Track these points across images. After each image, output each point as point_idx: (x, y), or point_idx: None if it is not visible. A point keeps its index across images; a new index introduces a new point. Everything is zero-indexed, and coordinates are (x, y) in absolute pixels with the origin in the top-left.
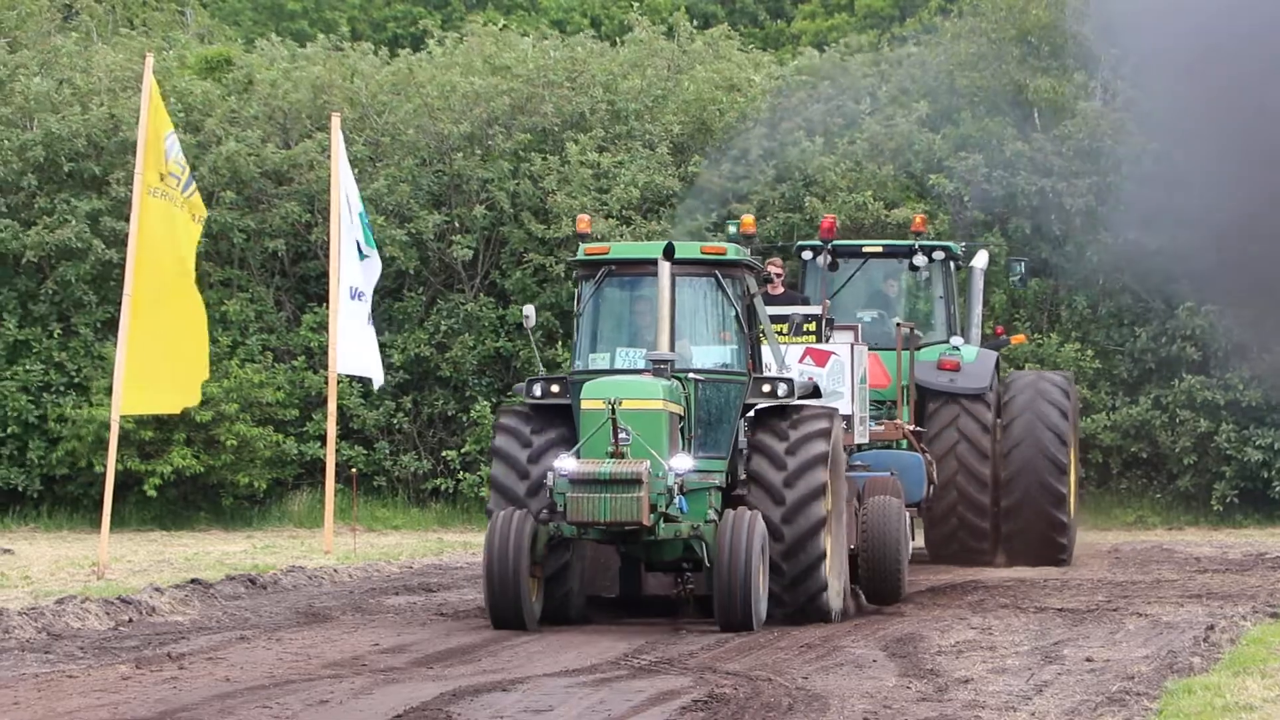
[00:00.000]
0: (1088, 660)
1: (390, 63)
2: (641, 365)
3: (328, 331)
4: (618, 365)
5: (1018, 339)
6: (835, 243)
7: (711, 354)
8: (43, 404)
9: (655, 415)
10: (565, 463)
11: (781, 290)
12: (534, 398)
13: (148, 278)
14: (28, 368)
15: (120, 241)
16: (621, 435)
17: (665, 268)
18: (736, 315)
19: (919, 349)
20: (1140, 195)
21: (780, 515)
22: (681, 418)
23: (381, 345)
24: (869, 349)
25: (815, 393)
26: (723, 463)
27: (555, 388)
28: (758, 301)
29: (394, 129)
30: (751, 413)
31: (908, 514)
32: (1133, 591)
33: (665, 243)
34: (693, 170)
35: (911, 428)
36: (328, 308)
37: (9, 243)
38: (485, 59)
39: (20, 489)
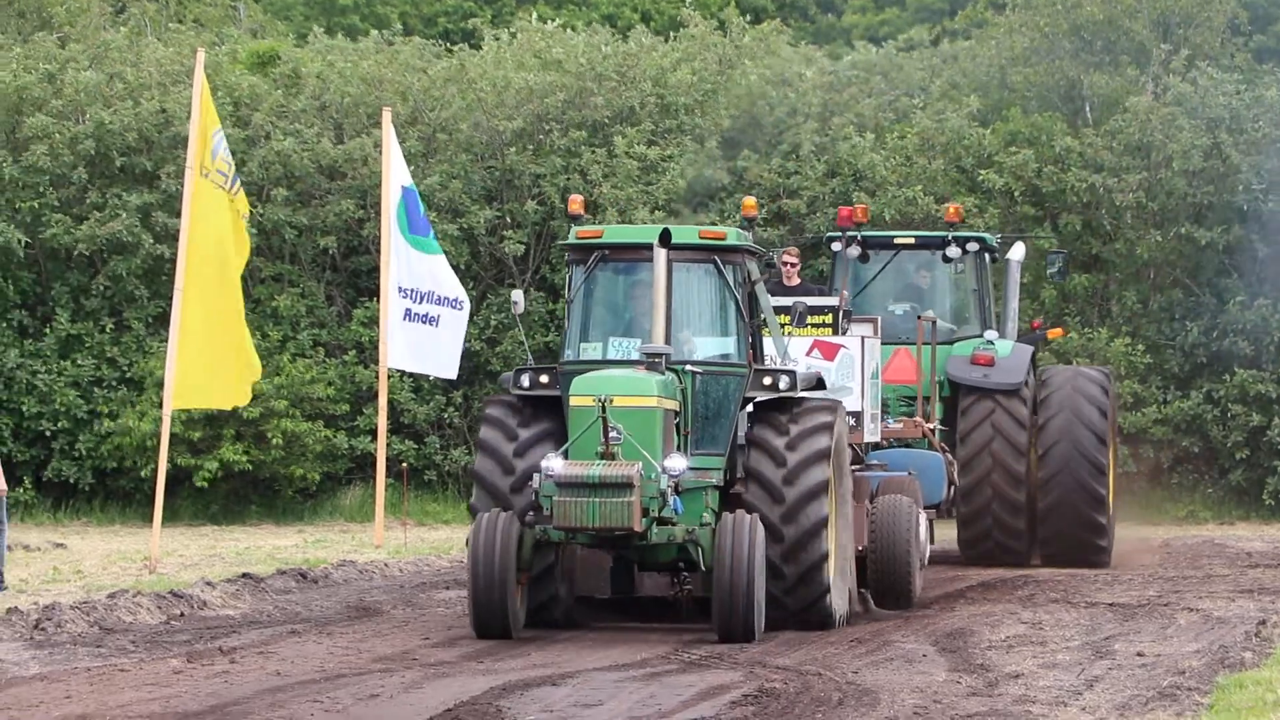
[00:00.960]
0: (1138, 655)
1: (442, 58)
2: (635, 357)
3: (378, 326)
4: (610, 356)
5: (1055, 333)
6: (866, 234)
7: (710, 345)
8: (94, 399)
9: (648, 414)
10: (553, 464)
11: (798, 281)
12: (522, 389)
13: (198, 273)
14: (79, 362)
15: (171, 236)
16: (613, 435)
17: (661, 255)
18: (737, 304)
19: (952, 343)
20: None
21: (779, 515)
22: (677, 413)
23: None
24: (900, 343)
25: (819, 384)
26: (721, 459)
27: (545, 378)
28: (760, 289)
29: (447, 125)
30: (750, 407)
31: (924, 515)
32: (1184, 586)
33: (661, 227)
34: (742, 165)
35: (932, 426)
36: (378, 302)
37: (61, 237)
38: (536, 54)
39: (73, 482)
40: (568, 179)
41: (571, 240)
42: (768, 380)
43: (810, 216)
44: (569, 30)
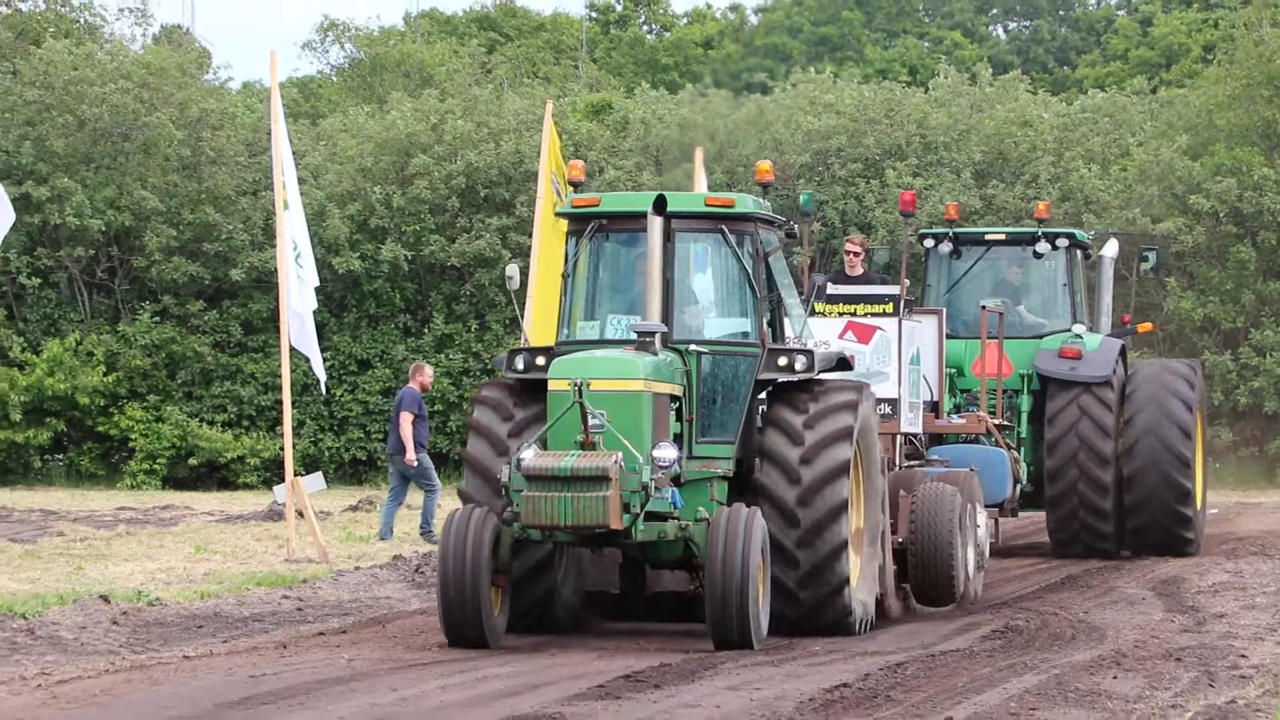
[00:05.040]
0: None
1: (743, 106)
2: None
3: None
4: (608, 335)
5: (1145, 327)
6: (958, 230)
7: (721, 323)
8: (462, 386)
9: (632, 398)
10: (523, 454)
11: (860, 271)
12: (516, 371)
13: (545, 283)
14: (450, 356)
15: (524, 252)
16: (593, 422)
17: (656, 223)
18: (749, 278)
19: (1041, 337)
20: None
21: (796, 496)
22: (676, 398)
23: None
24: (991, 337)
25: (842, 365)
26: (730, 448)
27: (540, 360)
28: (777, 261)
29: (746, 160)
30: (764, 393)
31: (984, 514)
32: None
33: (656, 194)
34: (990, 192)
35: (997, 422)
36: None
37: (436, 254)
38: (819, 102)
39: (444, 452)
40: (845, 204)
41: (567, 209)
42: (783, 360)
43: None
44: (847, 82)
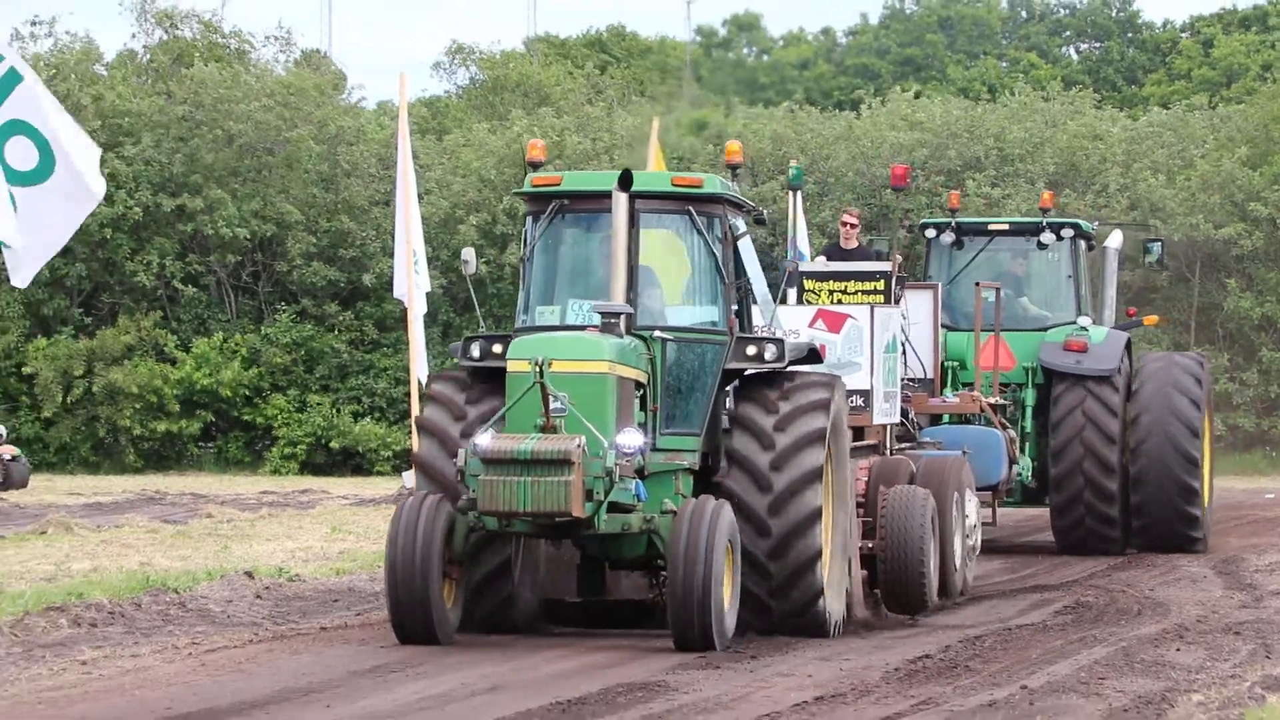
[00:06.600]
0: None
1: (833, 121)
2: (597, 320)
3: None
4: (569, 320)
5: (1151, 320)
6: (961, 220)
7: (686, 308)
8: None
9: (596, 380)
10: (480, 438)
11: (856, 245)
12: (472, 359)
13: None
14: None
15: None
16: (555, 405)
17: (621, 200)
18: (716, 262)
19: (1045, 329)
20: None
21: (767, 505)
22: (640, 385)
23: None
24: (988, 330)
25: (812, 356)
26: (695, 440)
27: (497, 347)
28: (745, 246)
29: (836, 172)
30: (732, 383)
31: (974, 500)
32: None
33: (621, 170)
34: (1063, 201)
35: (992, 401)
36: None
37: None
38: (904, 118)
39: None
40: (930, 213)
41: (526, 188)
42: (751, 350)
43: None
44: (929, 99)
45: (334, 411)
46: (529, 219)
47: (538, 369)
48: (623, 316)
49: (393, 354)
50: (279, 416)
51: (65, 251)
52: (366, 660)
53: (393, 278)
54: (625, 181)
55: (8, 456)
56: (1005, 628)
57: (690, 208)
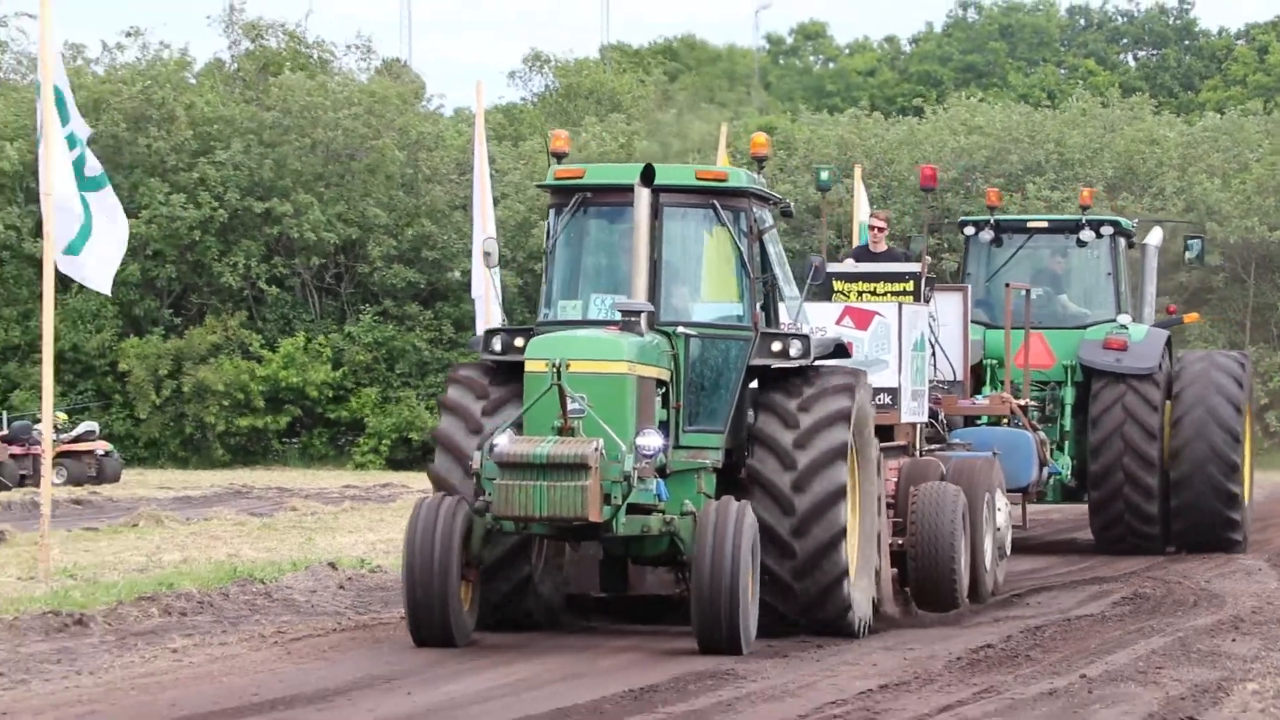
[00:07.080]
0: None
1: (896, 126)
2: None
3: None
4: (591, 315)
5: (1191, 317)
6: (1000, 217)
7: (711, 304)
8: None
9: (615, 381)
10: (497, 439)
11: (884, 248)
12: (493, 353)
13: None
14: None
15: None
16: (573, 406)
17: (644, 195)
18: (741, 257)
19: (1085, 327)
20: None
21: (791, 482)
22: (663, 383)
23: None
24: (1034, 328)
25: (839, 352)
26: (719, 437)
27: (519, 341)
28: (772, 240)
29: (899, 175)
30: (755, 380)
31: (1004, 501)
32: None
33: (644, 164)
34: (1120, 204)
35: (1022, 403)
36: None
37: None
38: (965, 123)
39: None
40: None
41: (549, 181)
42: (777, 346)
43: (1170, 240)
44: (991, 105)
45: (418, 404)
46: (552, 211)
47: (555, 370)
48: (644, 314)
49: (471, 353)
50: (367, 407)
51: (155, 254)
52: (447, 649)
53: (470, 280)
54: (648, 177)
55: (100, 452)
56: (1065, 618)
57: (715, 201)
